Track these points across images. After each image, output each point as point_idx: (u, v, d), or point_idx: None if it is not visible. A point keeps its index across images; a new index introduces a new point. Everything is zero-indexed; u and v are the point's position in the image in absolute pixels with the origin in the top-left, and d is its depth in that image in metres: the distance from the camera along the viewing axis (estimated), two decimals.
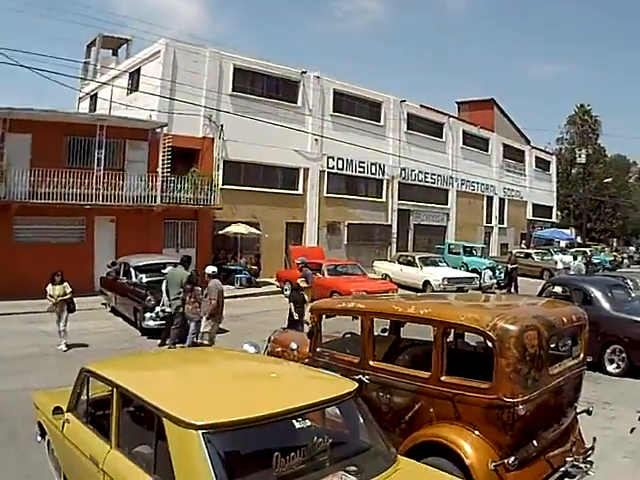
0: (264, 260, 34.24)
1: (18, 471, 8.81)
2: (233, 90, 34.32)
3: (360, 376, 8.15)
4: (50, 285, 17.37)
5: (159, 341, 17.86)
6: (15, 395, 11.91)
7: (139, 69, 34.10)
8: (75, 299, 17.79)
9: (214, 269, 17.40)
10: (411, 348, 9.70)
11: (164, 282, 18.19)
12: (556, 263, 39.58)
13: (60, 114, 27.29)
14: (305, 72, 38.11)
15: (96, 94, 37.89)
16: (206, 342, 15.74)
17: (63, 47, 70.87)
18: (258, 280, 31.94)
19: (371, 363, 8.36)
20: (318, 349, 9.34)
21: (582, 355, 8.49)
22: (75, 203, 26.60)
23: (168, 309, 17.74)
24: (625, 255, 57.35)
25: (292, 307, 17.65)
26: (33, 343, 17.42)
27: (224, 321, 17.86)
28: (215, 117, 32.82)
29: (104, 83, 32.71)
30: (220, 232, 32.49)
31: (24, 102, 24.89)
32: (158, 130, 30.11)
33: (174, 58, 31.98)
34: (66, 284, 17.54)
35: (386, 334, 10.31)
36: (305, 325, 15.20)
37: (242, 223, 32.84)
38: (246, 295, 28.44)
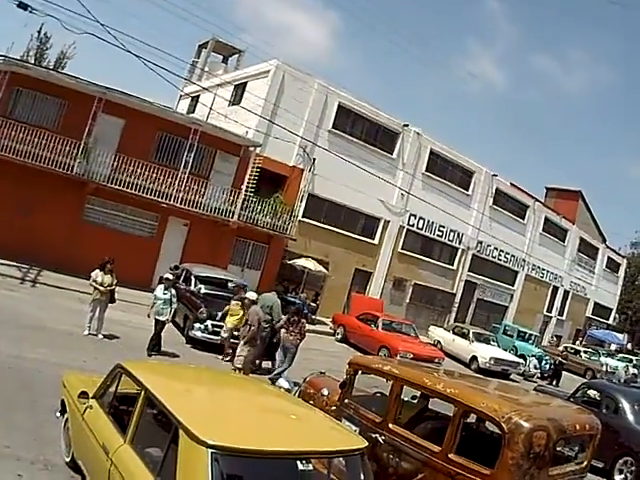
0: (324, 300, 34.05)
1: (28, 437, 9.07)
2: (333, 127, 34.36)
3: (377, 435, 8.75)
4: (99, 272, 17.18)
5: (201, 352, 18.07)
6: (46, 367, 12.37)
7: (245, 84, 34.54)
8: (130, 291, 17.74)
9: (256, 295, 17.53)
10: (434, 420, 10.04)
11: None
12: (616, 368, 39.26)
13: (157, 108, 27.61)
14: (407, 125, 38.10)
15: (198, 97, 38.66)
16: (239, 366, 15.71)
17: (170, 42, 71.86)
18: (314, 317, 31.54)
19: (390, 426, 8.79)
20: (346, 401, 9.88)
21: (586, 463, 8.73)
22: (153, 199, 26.87)
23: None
24: None
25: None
26: (76, 323, 17.31)
27: None
28: (309, 149, 32.83)
29: (208, 89, 32.81)
30: (288, 262, 32.42)
31: (119, 85, 25.43)
32: (251, 148, 30.34)
33: (282, 81, 32.26)
34: (114, 274, 17.47)
35: (415, 401, 10.80)
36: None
37: (312, 259, 32.68)
38: None
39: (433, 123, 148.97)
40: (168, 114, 28.46)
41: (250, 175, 29.91)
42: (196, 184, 27.93)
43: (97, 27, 18.18)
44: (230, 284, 21.68)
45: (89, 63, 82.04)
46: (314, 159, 33.27)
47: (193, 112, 37.80)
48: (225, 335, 18.19)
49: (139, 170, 26.36)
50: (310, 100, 33.19)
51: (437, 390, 8.56)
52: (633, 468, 15.27)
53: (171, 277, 17.77)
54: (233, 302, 18.44)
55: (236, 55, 44.17)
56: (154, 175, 26.74)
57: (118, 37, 18.92)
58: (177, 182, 27.43)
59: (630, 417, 16.15)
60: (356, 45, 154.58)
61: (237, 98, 34.47)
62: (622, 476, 15.43)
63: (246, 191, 29.73)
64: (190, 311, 19.86)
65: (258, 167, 30.15)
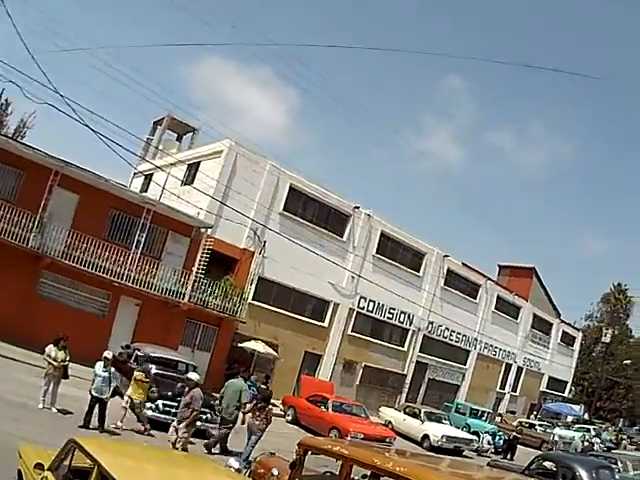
0: (274, 382, 33.75)
1: None
2: (284, 209, 34.57)
3: None
4: (52, 347, 17.63)
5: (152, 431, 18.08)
6: (2, 437, 12.31)
7: (198, 163, 34.73)
8: (83, 367, 17.82)
9: (198, 377, 17.63)
10: None
11: (222, 390, 19.11)
12: (573, 439, 40.24)
13: (111, 185, 27.69)
14: (358, 207, 38.55)
15: (151, 175, 38.44)
16: (179, 446, 15.54)
17: (126, 116, 71.72)
18: None
19: None
20: None
21: None
22: (106, 277, 26.76)
23: (219, 415, 18.59)
24: (625, 436, 56.87)
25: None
26: (30, 395, 17.58)
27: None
28: (260, 232, 32.94)
29: (161, 168, 32.67)
30: (239, 344, 32.19)
31: (74, 158, 25.45)
32: (202, 230, 30.41)
33: (234, 162, 32.46)
34: (67, 351, 17.89)
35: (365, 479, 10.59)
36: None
37: (262, 341, 32.55)
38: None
39: (387, 201, 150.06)
40: (122, 192, 28.53)
41: (201, 257, 29.92)
42: (148, 264, 27.90)
43: (57, 98, 18.42)
44: (138, 352, 21.91)
45: (47, 133, 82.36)
46: (265, 242, 33.34)
47: (146, 191, 37.84)
48: (125, 405, 18.03)
49: (92, 247, 26.31)
50: (262, 182, 33.43)
51: (387, 469, 8.41)
52: None
53: (110, 356, 17.63)
54: (137, 373, 18.49)
55: (190, 133, 44.54)
56: (107, 253, 26.70)
57: (76, 110, 19.10)
58: (129, 261, 27.39)
59: None
60: (313, 123, 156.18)
61: (190, 178, 34.60)
62: None
63: (197, 273, 29.68)
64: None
65: (209, 249, 30.19)
